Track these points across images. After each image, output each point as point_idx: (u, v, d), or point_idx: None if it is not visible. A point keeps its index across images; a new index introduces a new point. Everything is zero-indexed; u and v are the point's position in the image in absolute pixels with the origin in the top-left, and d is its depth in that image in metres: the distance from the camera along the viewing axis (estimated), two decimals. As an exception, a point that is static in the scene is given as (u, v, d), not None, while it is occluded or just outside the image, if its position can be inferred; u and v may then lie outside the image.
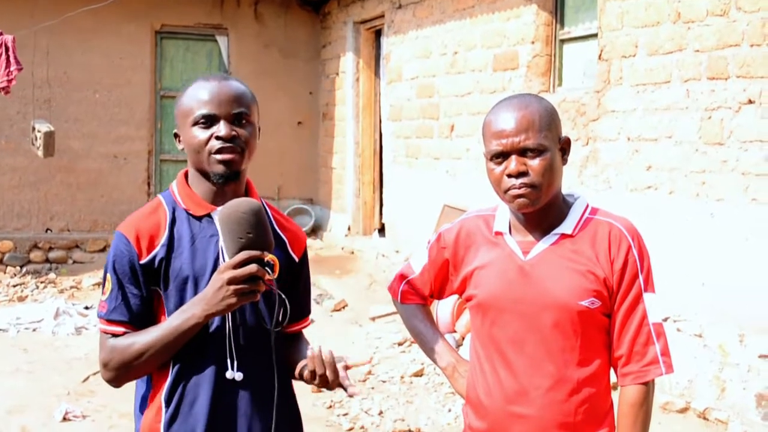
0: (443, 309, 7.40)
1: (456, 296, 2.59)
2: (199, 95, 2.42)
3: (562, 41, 7.49)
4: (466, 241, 2.57)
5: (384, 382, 6.81)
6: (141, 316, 2.40)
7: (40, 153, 9.65)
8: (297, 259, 2.59)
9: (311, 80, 12.86)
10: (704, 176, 5.69)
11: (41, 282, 10.56)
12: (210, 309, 2.29)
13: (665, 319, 5.85)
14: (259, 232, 2.26)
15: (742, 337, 5.42)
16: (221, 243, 2.37)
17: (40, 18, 11.02)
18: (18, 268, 11.19)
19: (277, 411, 2.48)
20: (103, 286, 2.44)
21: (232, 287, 2.25)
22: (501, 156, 2.38)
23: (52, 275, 10.92)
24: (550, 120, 2.40)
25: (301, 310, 2.65)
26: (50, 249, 11.52)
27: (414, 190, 9.78)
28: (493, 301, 2.46)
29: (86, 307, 9.14)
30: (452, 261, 2.61)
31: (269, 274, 2.27)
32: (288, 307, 2.43)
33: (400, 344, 7.69)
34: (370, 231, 11.64)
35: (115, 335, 2.39)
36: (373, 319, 8.59)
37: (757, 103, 5.29)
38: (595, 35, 6.90)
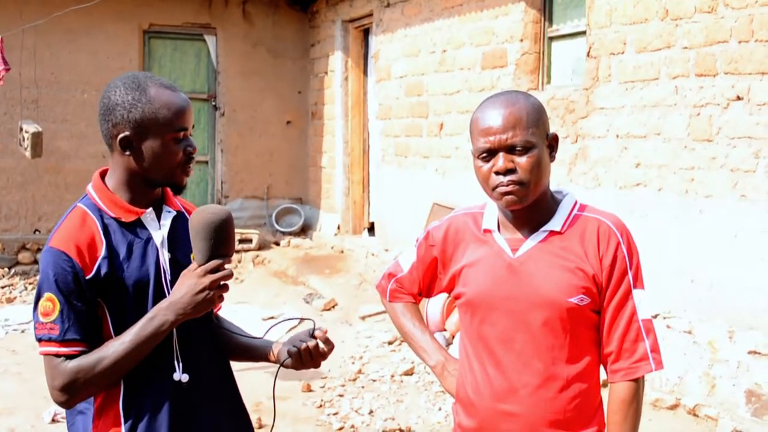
0: (433, 307, 7.39)
1: (446, 294, 2.59)
2: (172, 109, 2.39)
3: (551, 39, 7.49)
4: (454, 238, 2.57)
5: (374, 381, 6.80)
6: (92, 332, 2.35)
7: (27, 154, 9.60)
8: None
9: (300, 79, 12.83)
10: (693, 173, 5.69)
11: (30, 283, 10.51)
12: (185, 312, 2.31)
13: (655, 316, 5.85)
14: (231, 239, 2.34)
15: (731, 333, 5.43)
16: (158, 246, 2.41)
17: (29, 18, 10.98)
18: (6, 269, 11.15)
19: (232, 411, 2.55)
20: (36, 308, 2.35)
21: (212, 291, 2.29)
22: (488, 153, 2.37)
23: (40, 276, 10.84)
24: (537, 117, 2.39)
25: None
26: (39, 250, 11.46)
27: (403, 188, 9.77)
28: (482, 298, 2.45)
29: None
30: (441, 259, 2.60)
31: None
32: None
33: (390, 343, 7.68)
34: (359, 230, 11.63)
35: (69, 356, 2.32)
36: (363, 318, 8.58)
37: (746, 100, 5.29)
38: (583, 32, 6.90)
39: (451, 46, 8.67)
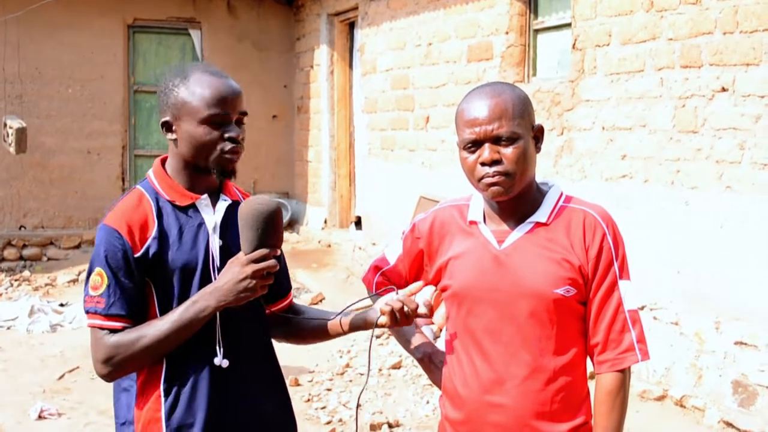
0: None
1: (433, 287, 2.58)
2: (207, 93, 2.43)
3: (536, 31, 7.49)
4: (440, 231, 2.56)
5: (362, 374, 6.80)
6: (138, 309, 2.43)
7: (12, 149, 9.56)
8: None
9: (285, 73, 12.81)
10: (679, 164, 5.70)
11: (15, 280, 10.46)
12: (227, 299, 2.36)
13: (642, 308, 5.87)
14: (278, 231, 2.37)
15: (717, 324, 5.44)
16: (209, 231, 2.47)
17: (12, 10, 10.92)
18: (-9, 266, 11.11)
19: (272, 397, 2.58)
20: (88, 281, 2.44)
21: (254, 281, 2.33)
22: (474, 144, 2.36)
23: (26, 273, 10.82)
24: (523, 108, 2.38)
25: (288, 283, 2.78)
26: (24, 246, 11.43)
27: (390, 182, 9.76)
28: (469, 290, 2.45)
29: (61, 305, 9.07)
30: (427, 251, 2.59)
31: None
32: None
33: (377, 337, 7.68)
34: (346, 224, 11.62)
35: (113, 330, 2.39)
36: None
37: (731, 91, 5.30)
38: (568, 25, 6.90)
39: (437, 39, 8.66)
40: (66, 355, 7.37)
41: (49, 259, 11.46)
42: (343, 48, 11.57)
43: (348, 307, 2.66)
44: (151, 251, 2.41)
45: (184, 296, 2.42)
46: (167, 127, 2.49)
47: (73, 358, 7.26)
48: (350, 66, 11.50)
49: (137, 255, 2.40)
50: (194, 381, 2.44)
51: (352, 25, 11.34)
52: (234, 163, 2.48)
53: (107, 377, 2.43)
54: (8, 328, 8.28)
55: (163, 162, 2.56)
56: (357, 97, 11.07)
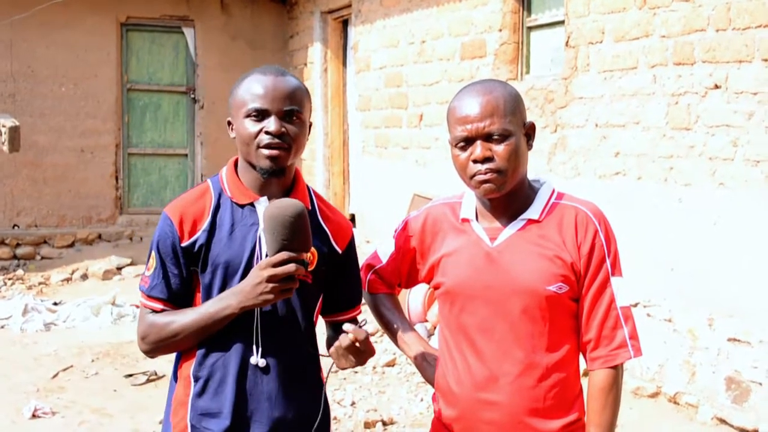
0: (414, 298, 7.39)
1: (427, 285, 2.58)
2: (254, 88, 2.47)
3: (530, 28, 7.49)
4: (432, 228, 2.56)
5: (356, 372, 6.79)
6: (179, 295, 2.51)
7: (5, 148, 9.51)
8: (340, 251, 2.64)
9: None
10: (672, 162, 5.71)
11: (9, 279, 10.44)
12: (246, 302, 2.39)
13: (635, 305, 5.88)
14: (300, 235, 2.34)
15: (711, 321, 5.45)
16: (260, 233, 2.47)
17: (5, 11, 10.89)
18: (-15, 264, 11.08)
19: (301, 401, 2.57)
20: (147, 262, 2.55)
21: (271, 285, 2.34)
22: (466, 142, 2.37)
23: (19, 272, 10.80)
24: (514, 105, 2.39)
25: (349, 299, 2.73)
26: (17, 245, 11.39)
27: (383, 179, 9.76)
28: (461, 288, 2.45)
29: (55, 303, 9.05)
30: (419, 249, 2.59)
31: (305, 270, 2.38)
32: (320, 297, 2.61)
33: (371, 335, 7.66)
34: (340, 222, 11.59)
35: (154, 311, 2.51)
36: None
37: (723, 88, 5.31)
38: (562, 22, 6.91)
39: (430, 36, 8.65)
40: (60, 354, 7.35)
41: (42, 257, 11.43)
42: (336, 46, 11.56)
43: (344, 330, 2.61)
44: (198, 243, 2.47)
45: (224, 291, 2.48)
46: (230, 125, 2.55)
47: (67, 357, 7.25)
48: (344, 64, 11.49)
49: (184, 245, 2.47)
50: (224, 372, 2.48)
51: (345, 23, 11.33)
52: (277, 159, 2.44)
53: (146, 353, 2.56)
54: (2, 327, 8.26)
55: (237, 160, 2.60)
56: (351, 94, 11.07)
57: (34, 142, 11.38)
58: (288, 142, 2.45)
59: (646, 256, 5.85)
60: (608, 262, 2.39)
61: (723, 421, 5.33)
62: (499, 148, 2.34)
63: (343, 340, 2.40)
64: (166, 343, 2.50)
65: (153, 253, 2.51)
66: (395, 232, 2.70)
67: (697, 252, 5.55)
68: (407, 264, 2.65)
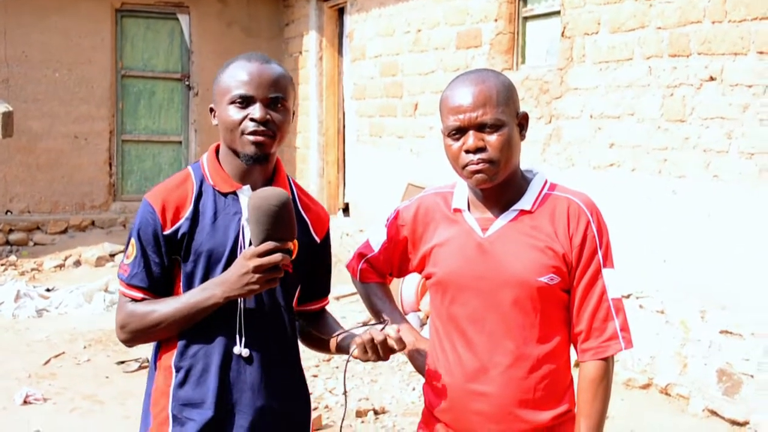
0: (407, 288, 7.39)
1: (419, 275, 2.57)
2: (238, 75, 2.45)
3: (525, 18, 7.47)
4: (424, 218, 2.55)
5: (348, 361, 6.78)
6: (160, 284, 2.48)
7: (-2, 133, 9.49)
8: (318, 241, 2.64)
9: (274, 59, 12.72)
10: (666, 153, 5.70)
11: (1, 264, 10.42)
12: (231, 292, 2.36)
13: (627, 296, 5.88)
14: (285, 224, 2.32)
15: (703, 313, 5.46)
16: (243, 222, 2.45)
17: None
18: (-23, 250, 11.06)
19: (285, 390, 2.56)
20: (126, 250, 2.51)
21: (257, 275, 2.32)
22: (458, 132, 2.35)
23: (12, 257, 10.78)
24: (507, 95, 2.37)
25: (323, 288, 2.75)
26: (10, 231, 11.37)
27: (378, 168, 9.75)
28: (452, 278, 2.44)
29: (48, 290, 9.04)
30: (411, 239, 2.58)
31: (290, 259, 2.36)
32: (298, 287, 2.59)
33: (365, 324, 7.65)
34: (334, 210, 11.60)
35: (134, 300, 2.47)
36: (338, 298, 8.56)
37: (719, 80, 5.30)
38: (558, 12, 6.89)
39: (426, 25, 8.63)
40: (52, 340, 7.35)
41: (35, 244, 11.41)
42: (332, 34, 11.53)
43: (351, 329, 2.59)
44: (181, 231, 2.44)
45: (206, 281, 2.45)
46: (212, 112, 2.53)
47: (59, 344, 7.24)
48: (339, 52, 11.46)
49: (166, 233, 2.44)
50: (207, 362, 2.46)
51: (341, 11, 11.30)
52: (261, 146, 2.43)
53: (125, 343, 2.53)
54: (-7, 313, 8.26)
55: (218, 148, 2.57)
56: (346, 83, 11.04)
57: (28, 127, 11.35)
58: (272, 129, 2.43)
59: (639, 248, 5.85)
60: (600, 254, 2.38)
61: (714, 413, 5.34)
62: (492, 138, 2.33)
63: (377, 335, 2.39)
64: (147, 332, 2.46)
65: (133, 241, 2.48)
66: (387, 221, 2.69)
67: (691, 244, 5.55)
68: (399, 253, 2.64)
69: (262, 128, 2.41)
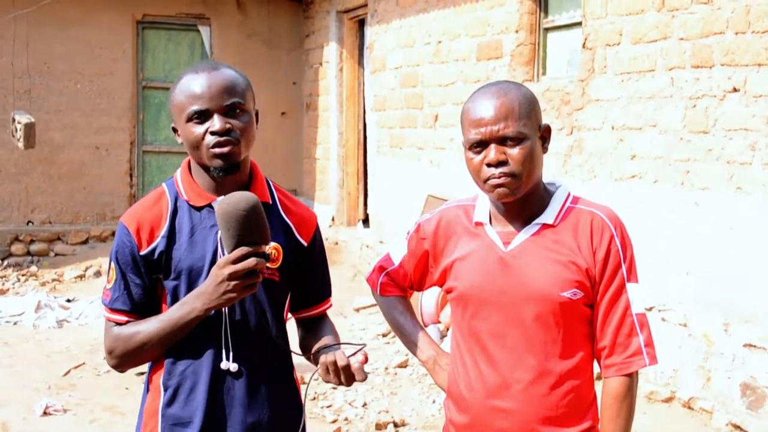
0: (427, 299, 7.36)
1: (438, 289, 2.55)
2: (190, 89, 2.39)
3: (546, 30, 7.45)
4: (445, 231, 2.52)
5: (368, 373, 6.75)
6: (143, 305, 2.45)
7: (20, 144, 9.55)
8: (305, 244, 2.58)
9: (294, 70, 12.78)
10: (689, 165, 5.66)
11: (22, 275, 10.47)
12: (210, 303, 2.33)
13: (650, 309, 5.83)
14: (256, 227, 2.27)
15: (726, 326, 5.40)
16: (220, 234, 2.39)
17: (21, 6, 10.92)
18: (-1, 261, 11.12)
19: (274, 402, 2.52)
20: (108, 274, 2.49)
21: (233, 282, 2.28)
22: (480, 145, 2.33)
23: (33, 268, 10.83)
24: (529, 107, 2.35)
25: (319, 293, 2.69)
26: (32, 242, 11.42)
27: (398, 180, 9.73)
28: (474, 293, 2.42)
29: (68, 300, 9.07)
30: (432, 252, 2.56)
31: (268, 265, 2.32)
32: (288, 294, 2.54)
33: (384, 335, 7.66)
34: (354, 222, 11.59)
35: (118, 323, 2.45)
36: (358, 310, 8.55)
37: (742, 92, 5.26)
38: (579, 24, 6.86)
39: (447, 37, 8.62)
40: (72, 351, 7.36)
41: (56, 254, 11.46)
42: (352, 45, 11.54)
43: (338, 344, 2.54)
44: (158, 250, 2.41)
45: None
46: (175, 131, 2.48)
47: (79, 354, 7.25)
48: (359, 63, 11.47)
49: (143, 253, 2.41)
50: (195, 380, 2.43)
51: (361, 23, 11.31)
52: (228, 157, 2.38)
53: (115, 368, 2.51)
54: (15, 324, 8.28)
55: (190, 162, 2.53)
56: (366, 94, 11.04)
57: (50, 138, 11.41)
58: (236, 137, 2.38)
59: (661, 260, 5.80)
60: (624, 268, 2.35)
61: (738, 428, 5.28)
62: (514, 152, 2.30)
63: (340, 359, 2.35)
64: (133, 354, 2.43)
65: (112, 265, 2.46)
66: (407, 234, 2.66)
67: (713, 256, 5.50)
68: (420, 267, 2.62)
69: (224, 138, 2.37)
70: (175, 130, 2.48)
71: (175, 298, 2.43)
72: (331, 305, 2.76)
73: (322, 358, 2.38)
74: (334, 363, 2.35)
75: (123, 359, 2.46)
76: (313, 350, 2.51)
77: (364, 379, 2.37)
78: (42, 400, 6.01)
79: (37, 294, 9.12)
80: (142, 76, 12.10)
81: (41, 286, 9.93)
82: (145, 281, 2.43)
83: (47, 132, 11.25)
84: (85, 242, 11.58)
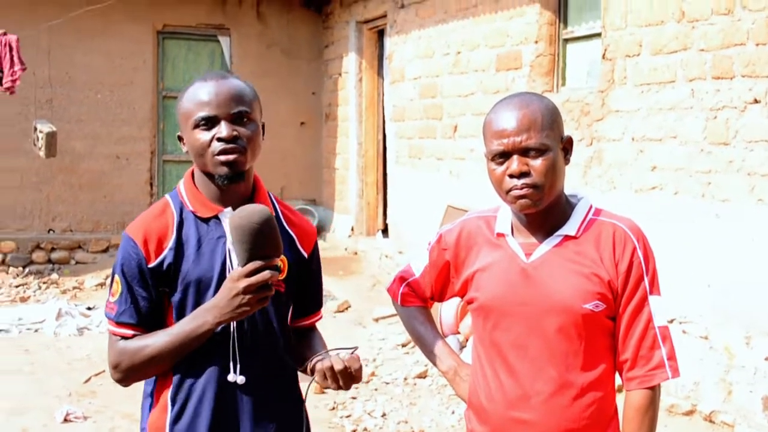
0: (447, 310, 7.35)
1: (458, 299, 2.55)
2: (198, 96, 2.39)
3: (566, 41, 7.45)
4: (467, 242, 2.53)
5: (387, 383, 6.77)
6: (150, 319, 2.42)
7: (42, 154, 9.62)
8: (306, 255, 2.59)
9: (314, 80, 12.83)
10: (710, 176, 5.64)
11: (44, 282, 10.53)
12: (223, 317, 2.31)
13: (671, 321, 5.78)
14: (270, 240, 2.27)
15: (748, 339, 5.37)
16: (229, 246, 2.39)
17: (44, 17, 11.02)
18: (20, 268, 11.18)
19: (281, 414, 2.50)
20: (111, 287, 2.45)
21: (248, 296, 2.26)
22: (502, 156, 2.33)
23: (54, 276, 10.89)
24: (552, 119, 2.35)
25: (314, 304, 2.71)
26: (53, 249, 11.50)
27: (417, 190, 9.74)
28: (495, 304, 2.42)
29: (89, 308, 9.11)
30: (453, 263, 2.56)
31: (278, 276, 2.32)
32: (291, 305, 2.53)
33: (403, 345, 7.65)
34: (373, 232, 11.61)
35: (124, 337, 2.41)
36: (377, 320, 8.55)
37: (763, 103, 5.24)
38: (598, 34, 6.85)
39: (466, 47, 8.63)
40: (92, 358, 7.39)
41: (77, 262, 11.53)
42: (371, 56, 11.57)
43: (325, 352, 2.52)
44: (166, 262, 2.39)
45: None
46: (180, 140, 2.48)
47: (100, 362, 7.27)
48: (379, 74, 11.50)
49: (151, 265, 2.39)
50: (202, 393, 2.41)
51: (380, 33, 11.34)
52: (234, 165, 2.37)
53: (119, 382, 2.47)
54: (36, 331, 8.33)
55: (194, 172, 2.52)
56: (386, 105, 11.07)
57: (71, 148, 11.49)
58: (242, 145, 2.38)
59: (682, 272, 5.78)
60: (646, 281, 2.34)
61: (759, 441, 5.25)
62: (536, 163, 2.30)
63: (337, 363, 2.34)
64: (141, 368, 2.40)
65: (117, 278, 2.42)
66: (429, 245, 2.67)
67: (734, 268, 5.47)
68: (441, 278, 2.62)
69: (231, 146, 2.36)
70: (180, 138, 2.48)
71: (182, 311, 2.41)
72: (322, 316, 2.78)
73: (319, 366, 2.37)
74: (331, 368, 2.34)
75: (128, 373, 2.42)
76: (310, 362, 2.47)
77: (360, 379, 2.38)
78: (63, 407, 6.04)
79: (58, 302, 9.18)
80: (162, 86, 12.17)
81: (62, 294, 9.98)
82: (151, 294, 2.41)
83: (68, 141, 11.33)
84: (105, 251, 11.64)
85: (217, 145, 2.36)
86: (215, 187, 2.44)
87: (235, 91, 2.41)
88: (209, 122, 2.37)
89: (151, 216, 2.46)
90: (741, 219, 5.42)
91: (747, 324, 5.39)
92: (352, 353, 2.38)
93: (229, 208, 2.43)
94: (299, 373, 2.58)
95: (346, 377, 2.34)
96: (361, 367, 2.36)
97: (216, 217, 2.44)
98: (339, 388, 2.37)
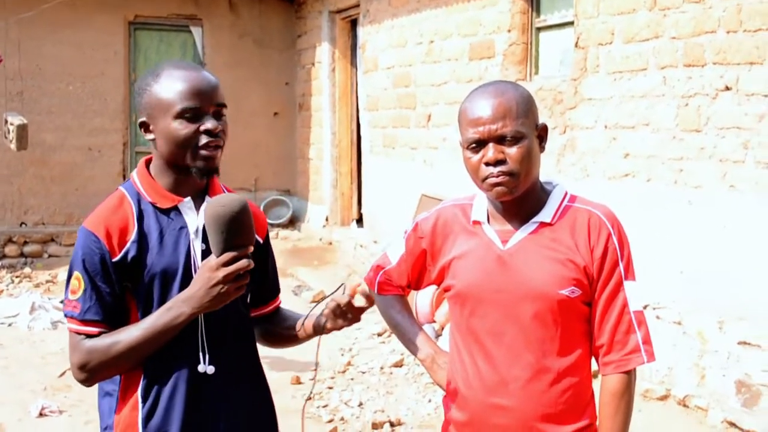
0: (422, 299, 7.37)
1: (435, 286, 2.56)
2: (179, 86, 2.34)
3: (539, 29, 7.47)
4: (443, 230, 2.53)
5: (363, 373, 6.78)
6: (115, 314, 2.36)
7: (13, 146, 9.53)
8: (261, 241, 2.58)
9: (287, 71, 12.79)
10: (682, 164, 5.68)
11: (16, 276, 10.46)
12: (200, 307, 2.28)
13: (644, 307, 5.83)
14: (246, 229, 2.27)
15: (721, 324, 5.43)
16: (191, 237, 2.38)
17: (12, 9, 10.91)
18: (-8, 262, 11.10)
19: (252, 401, 2.51)
20: (68, 285, 2.38)
21: (227, 285, 2.25)
22: (478, 144, 2.34)
23: (27, 269, 10.82)
24: (527, 107, 2.36)
25: (274, 290, 2.71)
26: (25, 243, 11.42)
27: (391, 180, 9.75)
28: (472, 291, 2.43)
29: (62, 301, 9.03)
30: (430, 251, 2.57)
31: (252, 264, 2.31)
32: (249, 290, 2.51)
33: (379, 335, 7.67)
34: (348, 222, 11.61)
35: (89, 335, 2.34)
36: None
37: (734, 90, 5.28)
38: (571, 23, 6.88)
39: (439, 36, 8.64)
40: (67, 352, 7.32)
41: (50, 255, 11.46)
42: (344, 45, 11.55)
43: (312, 309, 2.57)
44: (130, 255, 2.34)
45: (164, 302, 2.35)
46: (145, 127, 2.40)
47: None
48: (352, 63, 11.48)
49: (115, 259, 2.33)
50: (173, 387, 2.37)
51: (354, 23, 11.32)
52: (214, 159, 2.37)
53: (83, 383, 2.41)
54: (9, 325, 8.28)
55: (148, 163, 2.47)
56: (359, 94, 11.06)
57: (42, 140, 11.41)
58: (223, 140, 2.39)
59: (655, 258, 5.82)
60: (621, 266, 2.36)
61: (733, 425, 5.30)
62: (512, 151, 2.31)
63: (341, 299, 2.40)
64: (111, 365, 2.34)
65: (78, 274, 2.34)
66: (405, 233, 2.67)
67: (707, 254, 5.52)
68: (417, 266, 2.63)
69: (216, 140, 2.36)
70: (145, 125, 2.41)
71: (148, 304, 2.36)
72: (281, 302, 2.76)
73: (326, 311, 2.43)
74: (338, 306, 2.40)
75: (96, 372, 2.36)
76: (308, 319, 2.54)
77: (372, 303, 2.45)
78: (37, 401, 6.00)
79: (31, 295, 9.11)
80: (134, 77, 12.10)
81: (35, 288, 9.91)
82: (115, 289, 2.35)
83: (40, 133, 11.24)
84: (78, 244, 11.57)
85: (202, 138, 2.34)
86: (174, 178, 2.41)
87: (216, 84, 2.40)
88: (194, 114, 2.33)
89: (109, 209, 2.39)
90: (713, 205, 5.46)
91: (719, 309, 5.44)
92: (343, 292, 2.43)
93: (189, 199, 2.41)
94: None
95: (353, 308, 2.41)
96: (365, 290, 2.42)
97: (176, 207, 2.41)
98: (350, 322, 2.44)
